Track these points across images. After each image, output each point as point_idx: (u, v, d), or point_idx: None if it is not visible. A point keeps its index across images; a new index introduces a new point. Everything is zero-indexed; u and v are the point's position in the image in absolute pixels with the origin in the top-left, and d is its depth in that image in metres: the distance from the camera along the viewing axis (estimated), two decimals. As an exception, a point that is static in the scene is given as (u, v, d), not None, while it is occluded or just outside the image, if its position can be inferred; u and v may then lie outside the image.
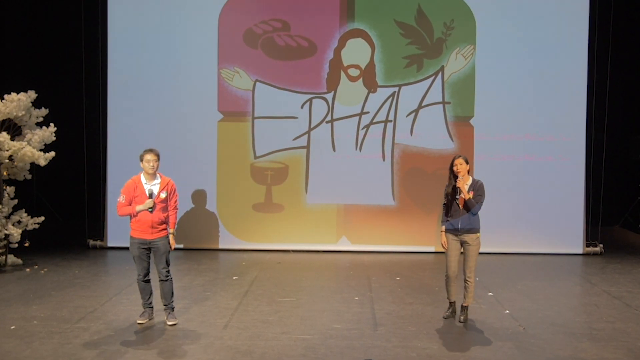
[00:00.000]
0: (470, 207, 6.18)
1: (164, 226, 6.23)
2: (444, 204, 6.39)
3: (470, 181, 6.25)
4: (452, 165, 6.27)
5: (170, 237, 6.30)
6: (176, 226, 6.44)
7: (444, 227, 6.40)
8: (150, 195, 6.09)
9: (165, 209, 6.22)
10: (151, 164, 6.10)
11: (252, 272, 8.63)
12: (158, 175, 6.22)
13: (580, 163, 10.11)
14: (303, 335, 5.94)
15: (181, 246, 10.00)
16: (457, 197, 6.20)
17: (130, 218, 6.18)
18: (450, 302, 6.53)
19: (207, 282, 8.04)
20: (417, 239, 10.06)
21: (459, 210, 6.25)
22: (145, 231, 6.13)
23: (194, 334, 5.96)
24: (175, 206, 6.33)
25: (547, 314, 6.70)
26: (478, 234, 6.29)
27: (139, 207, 6.08)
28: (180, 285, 7.69)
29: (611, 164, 11.17)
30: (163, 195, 6.18)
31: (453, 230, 6.31)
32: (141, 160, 6.14)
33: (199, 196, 10.15)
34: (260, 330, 6.08)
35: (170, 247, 6.27)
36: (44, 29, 11.82)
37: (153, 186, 6.15)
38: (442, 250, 6.47)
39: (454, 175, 6.26)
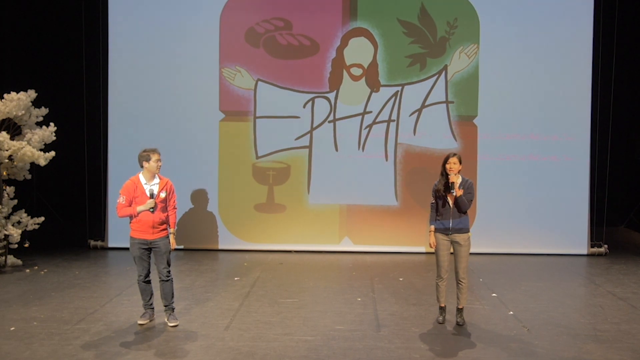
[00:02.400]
0: (460, 205, 6.12)
1: (164, 226, 6.21)
2: (432, 203, 6.32)
3: (459, 180, 6.19)
4: (445, 162, 6.19)
5: (171, 236, 6.28)
6: (176, 226, 6.41)
7: (433, 227, 6.30)
8: (152, 196, 6.06)
9: (164, 209, 6.20)
10: (159, 164, 6.12)
11: (254, 273, 8.59)
12: (156, 175, 6.19)
13: (585, 163, 10.06)
14: (305, 336, 5.90)
15: (182, 247, 9.96)
16: (452, 191, 6.09)
17: (131, 219, 6.14)
18: (441, 307, 6.43)
19: (208, 283, 7.99)
20: (420, 240, 9.99)
21: (449, 208, 6.18)
22: (146, 231, 6.10)
23: (196, 335, 5.91)
24: (175, 205, 6.32)
25: (551, 315, 6.65)
26: (469, 233, 6.24)
27: (140, 208, 6.05)
28: (181, 285, 7.65)
29: (616, 164, 11.11)
30: (163, 195, 6.17)
31: (443, 230, 6.22)
32: (146, 160, 6.08)
33: (200, 196, 10.10)
34: (262, 331, 6.03)
35: (170, 247, 6.24)
36: (44, 28, 11.78)
37: (153, 186, 6.12)
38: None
39: (446, 173, 6.19)
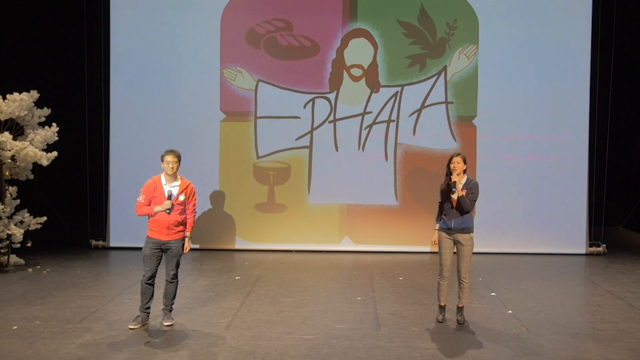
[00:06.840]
0: (462, 205, 6.12)
1: (180, 228, 6.20)
2: (440, 202, 6.37)
3: (464, 180, 6.22)
4: (449, 162, 6.24)
5: (186, 240, 6.26)
6: (193, 230, 6.43)
7: (437, 225, 6.37)
8: (169, 197, 6.08)
9: (183, 212, 6.20)
10: (170, 165, 6.10)
11: (254, 272, 8.63)
12: (179, 177, 6.21)
13: (584, 163, 10.09)
14: (306, 335, 5.93)
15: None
16: (454, 190, 6.12)
17: (149, 218, 6.17)
18: (440, 306, 6.47)
19: (209, 282, 8.03)
20: (420, 239, 10.03)
21: (452, 208, 6.22)
22: (161, 232, 6.11)
23: (197, 334, 5.95)
24: (194, 209, 6.31)
25: (550, 314, 6.69)
26: (472, 234, 6.25)
27: (157, 208, 6.07)
28: (183, 285, 7.65)
29: (614, 164, 11.15)
30: (181, 197, 6.16)
31: (446, 229, 6.27)
32: (162, 160, 6.13)
33: (201, 196, 10.06)
34: (263, 330, 6.07)
35: (183, 250, 6.24)
36: (46, 29, 11.82)
37: (172, 188, 6.13)
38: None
39: (450, 173, 6.23)
